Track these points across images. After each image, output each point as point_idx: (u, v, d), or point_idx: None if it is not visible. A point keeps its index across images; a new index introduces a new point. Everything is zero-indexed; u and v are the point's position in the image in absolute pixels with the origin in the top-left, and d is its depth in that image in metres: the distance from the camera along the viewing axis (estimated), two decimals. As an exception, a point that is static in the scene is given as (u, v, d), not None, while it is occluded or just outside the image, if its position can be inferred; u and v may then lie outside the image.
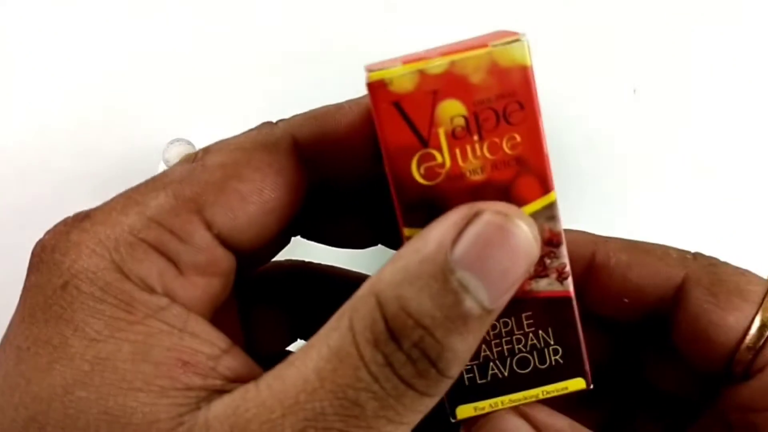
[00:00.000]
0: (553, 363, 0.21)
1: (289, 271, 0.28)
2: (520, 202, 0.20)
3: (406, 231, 0.20)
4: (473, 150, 0.20)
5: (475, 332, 0.18)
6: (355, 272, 0.29)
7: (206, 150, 0.22)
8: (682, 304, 0.23)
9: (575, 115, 0.47)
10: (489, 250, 0.18)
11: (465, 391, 0.22)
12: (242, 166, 0.21)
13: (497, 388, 0.22)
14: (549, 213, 0.20)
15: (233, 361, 0.20)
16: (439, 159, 0.20)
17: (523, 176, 0.20)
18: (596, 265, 0.24)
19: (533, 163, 0.20)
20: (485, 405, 0.22)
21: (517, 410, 0.21)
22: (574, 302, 0.21)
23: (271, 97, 0.47)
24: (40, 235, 0.21)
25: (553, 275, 0.21)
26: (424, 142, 0.20)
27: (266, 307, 0.28)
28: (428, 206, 0.20)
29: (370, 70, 0.19)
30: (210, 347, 0.20)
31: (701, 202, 0.45)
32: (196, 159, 0.22)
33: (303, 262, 0.29)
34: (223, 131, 0.23)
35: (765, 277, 0.23)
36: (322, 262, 0.29)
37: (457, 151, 0.20)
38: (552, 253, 0.21)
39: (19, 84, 0.48)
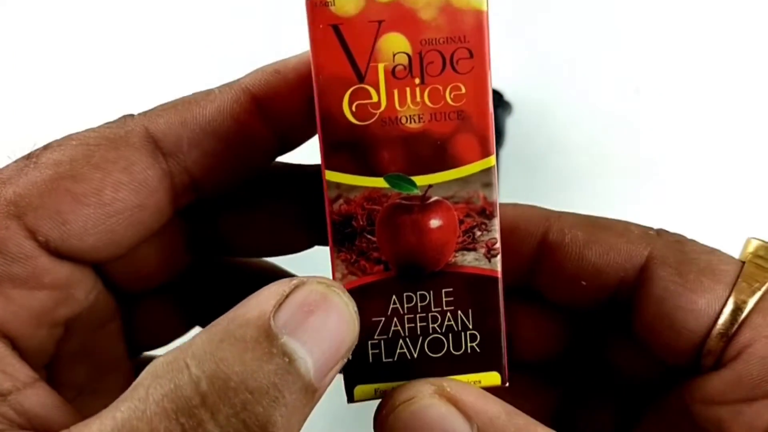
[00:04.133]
0: (469, 350, 0.19)
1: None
2: (456, 162, 0.18)
3: (328, 174, 0.18)
4: (413, 94, 0.18)
5: (301, 405, 0.16)
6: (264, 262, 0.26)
7: (47, 146, 0.20)
8: (645, 286, 0.20)
9: (576, 115, 0.46)
10: (313, 318, 0.17)
11: (367, 368, 0.19)
12: (80, 163, 0.19)
13: (403, 370, 0.19)
14: (486, 179, 0.18)
15: (29, 400, 0.17)
16: (375, 98, 0.18)
17: (463, 133, 0.18)
18: (549, 243, 0.21)
19: (476, 120, 0.18)
20: (387, 387, 0.19)
21: (444, 393, 0.18)
22: (501, 284, 0.19)
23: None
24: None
25: (482, 250, 0.19)
26: (360, 76, 0.18)
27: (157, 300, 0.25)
28: (354, 149, 0.18)
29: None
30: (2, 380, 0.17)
31: (702, 200, 0.45)
32: (31, 156, 0.19)
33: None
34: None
35: (734, 256, 0.21)
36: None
37: (396, 93, 0.18)
38: (483, 225, 0.19)
39: (18, 84, 0.47)
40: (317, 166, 0.19)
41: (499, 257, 0.19)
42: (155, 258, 0.23)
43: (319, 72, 0.18)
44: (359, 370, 0.19)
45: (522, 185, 0.47)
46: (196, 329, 0.26)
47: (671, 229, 0.22)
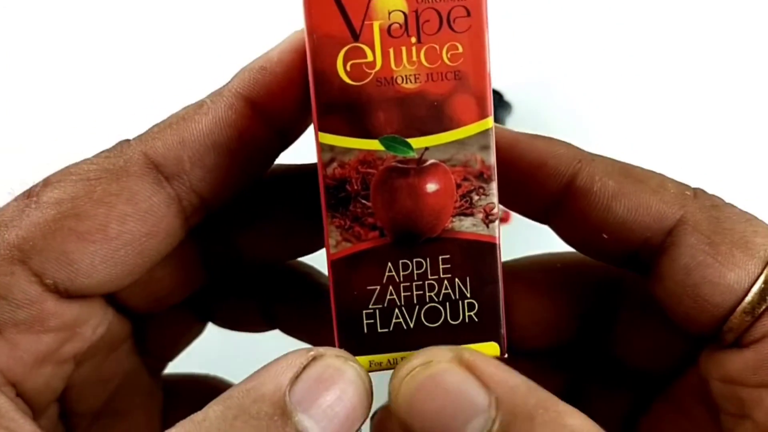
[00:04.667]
0: (467, 320, 0.19)
1: None
2: (453, 124, 0.18)
3: (321, 137, 0.18)
4: (409, 53, 0.18)
5: None
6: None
7: (46, 182, 0.19)
8: (672, 251, 0.19)
9: (575, 115, 0.46)
10: (328, 395, 0.17)
11: (362, 339, 0.19)
12: (82, 200, 0.18)
13: (399, 341, 0.19)
14: (483, 141, 0.18)
15: None
16: (370, 57, 0.17)
17: (460, 94, 0.18)
18: (576, 187, 0.20)
19: (473, 80, 0.18)
20: (383, 360, 0.19)
21: (463, 361, 0.17)
22: (499, 251, 0.18)
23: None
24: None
25: (479, 215, 0.18)
26: (355, 35, 0.17)
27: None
28: (349, 110, 0.18)
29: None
30: None
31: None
32: (32, 194, 0.19)
33: None
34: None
35: None
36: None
37: (391, 52, 0.17)
38: (481, 189, 0.18)
39: (17, 84, 0.47)
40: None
41: (497, 223, 0.18)
42: (170, 280, 0.22)
43: (312, 31, 0.17)
44: (353, 341, 0.18)
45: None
46: (210, 327, 0.26)
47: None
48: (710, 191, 0.20)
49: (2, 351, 0.18)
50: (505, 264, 0.23)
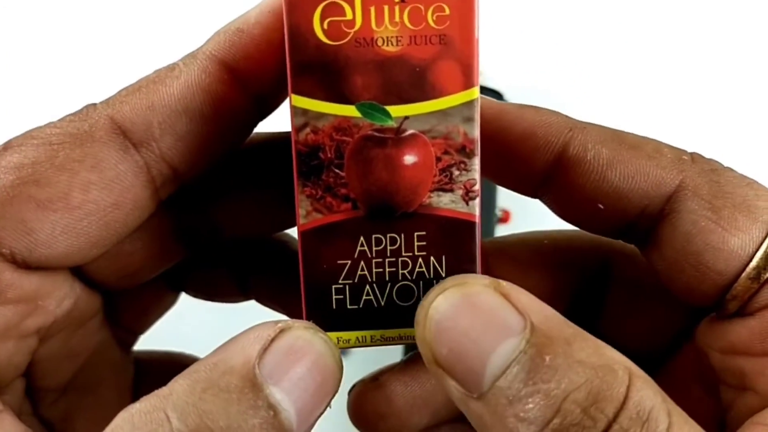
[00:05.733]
0: (441, 300, 0.18)
1: None
2: (435, 92, 0.17)
3: (294, 99, 0.17)
4: (392, 13, 0.16)
5: None
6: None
7: (6, 145, 0.18)
8: (672, 218, 0.18)
9: (575, 115, 0.45)
10: (298, 367, 0.16)
11: (331, 315, 0.18)
12: (43, 166, 0.17)
13: (369, 319, 0.18)
14: (467, 113, 0.17)
15: None
16: (349, 15, 0.16)
17: (445, 60, 0.16)
18: (569, 157, 0.19)
19: (459, 46, 0.16)
20: (351, 337, 0.18)
21: (498, 287, 0.16)
22: (478, 229, 0.17)
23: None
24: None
25: (459, 191, 0.17)
26: (334, -11, 0.16)
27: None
28: (325, 71, 0.16)
29: None
30: None
31: None
32: None
33: None
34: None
35: None
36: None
37: (372, 10, 0.16)
38: (462, 163, 0.17)
39: (16, 84, 0.45)
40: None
41: (477, 200, 0.17)
42: (142, 254, 0.21)
43: (288, -18, 0.16)
44: (321, 316, 0.18)
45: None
46: (183, 296, 0.25)
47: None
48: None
49: None
50: (492, 241, 0.23)
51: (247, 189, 0.21)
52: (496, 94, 0.46)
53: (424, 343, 0.16)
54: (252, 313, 0.25)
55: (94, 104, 0.18)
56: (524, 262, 0.21)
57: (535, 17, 0.47)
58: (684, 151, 0.19)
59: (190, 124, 0.18)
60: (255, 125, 0.20)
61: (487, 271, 0.21)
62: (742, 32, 0.46)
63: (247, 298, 0.24)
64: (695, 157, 0.19)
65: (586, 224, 0.20)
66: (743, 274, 0.17)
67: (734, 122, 0.45)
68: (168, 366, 0.24)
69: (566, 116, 0.19)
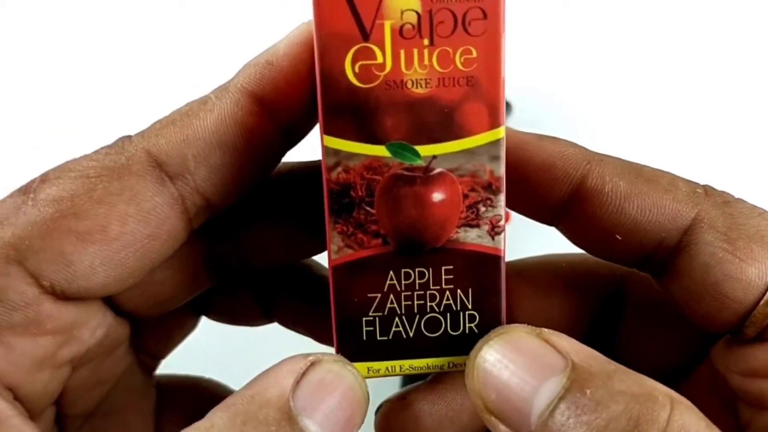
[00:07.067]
0: (467, 331, 0.18)
1: None
2: (463, 132, 0.17)
3: (326, 140, 0.17)
4: (421, 56, 0.17)
5: None
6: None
7: (44, 178, 0.18)
8: (690, 250, 0.19)
9: (576, 114, 0.46)
10: (329, 399, 0.17)
11: (361, 346, 0.18)
12: (82, 199, 0.18)
13: (398, 350, 0.18)
14: (493, 152, 0.17)
15: None
16: (380, 58, 0.17)
17: (472, 101, 0.17)
18: (587, 189, 0.19)
19: (486, 87, 0.17)
20: (381, 367, 0.18)
21: (539, 333, 0.17)
22: (503, 263, 0.18)
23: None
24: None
25: (485, 227, 0.18)
26: (365, 34, 0.16)
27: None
28: (356, 113, 0.17)
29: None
30: None
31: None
32: (28, 190, 0.18)
33: None
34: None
35: None
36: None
37: (402, 54, 0.17)
38: (489, 200, 0.18)
39: (16, 83, 0.46)
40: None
41: (503, 235, 0.18)
42: (172, 283, 0.21)
43: (321, 28, 0.16)
44: (352, 347, 0.18)
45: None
46: (204, 320, 0.25)
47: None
48: (717, 188, 0.20)
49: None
50: (511, 265, 0.23)
51: (274, 218, 0.22)
52: (506, 104, 0.46)
53: (474, 392, 0.17)
54: (256, 333, 0.25)
55: (129, 136, 0.19)
56: (544, 286, 0.22)
57: (534, 18, 0.47)
58: (697, 184, 0.20)
59: (224, 156, 0.19)
60: (283, 155, 0.20)
61: (509, 296, 0.22)
62: (743, 37, 0.47)
63: (269, 321, 0.25)
64: (708, 190, 0.19)
65: (603, 254, 0.21)
66: (761, 302, 0.18)
67: (736, 125, 0.46)
68: (189, 390, 0.25)
69: (583, 148, 0.20)
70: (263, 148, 0.19)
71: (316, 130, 0.18)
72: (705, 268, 0.18)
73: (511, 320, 0.19)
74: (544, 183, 0.20)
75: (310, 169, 0.21)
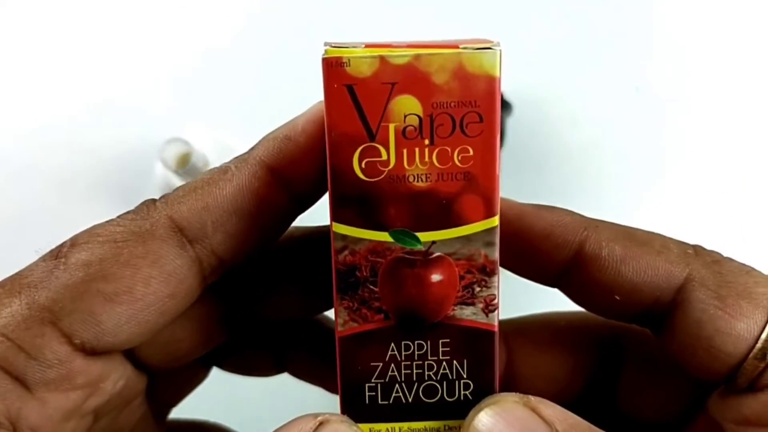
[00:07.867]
0: (462, 398, 0.20)
1: None
2: (460, 221, 0.19)
3: (335, 226, 0.19)
4: (422, 154, 0.18)
5: None
6: None
7: (73, 242, 0.20)
8: (683, 307, 0.20)
9: (576, 114, 0.47)
10: None
11: (364, 409, 0.20)
12: (109, 263, 0.19)
13: (398, 413, 0.20)
14: (488, 238, 0.19)
15: None
16: (384, 156, 0.18)
17: (469, 194, 0.19)
18: (585, 254, 0.21)
19: (482, 182, 0.18)
20: (382, 428, 0.20)
21: (527, 402, 0.19)
22: (497, 338, 0.20)
23: (267, 97, 0.46)
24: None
25: (480, 305, 0.19)
26: (372, 135, 0.18)
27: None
28: (362, 204, 0.18)
29: (329, 46, 0.18)
30: None
31: (704, 198, 0.45)
32: (59, 254, 0.20)
33: None
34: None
35: None
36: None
37: (405, 152, 0.18)
38: (483, 281, 0.19)
39: (15, 83, 0.47)
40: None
41: (496, 312, 0.19)
42: (190, 340, 0.23)
43: (331, 129, 0.18)
44: (356, 409, 0.20)
45: (522, 185, 0.48)
46: (215, 371, 0.27)
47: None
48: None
49: (34, 410, 0.19)
50: (512, 322, 0.25)
51: (286, 277, 0.24)
52: (506, 104, 0.47)
53: None
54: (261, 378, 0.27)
55: (154, 201, 0.21)
56: (544, 343, 0.24)
57: (535, 18, 0.48)
58: (688, 245, 0.21)
59: (239, 222, 0.20)
60: (294, 219, 0.22)
61: (509, 354, 0.23)
62: (744, 39, 0.47)
63: (281, 372, 0.26)
64: (698, 250, 0.21)
65: (602, 312, 0.22)
66: (750, 355, 0.20)
67: (737, 127, 0.46)
68: None
69: (580, 215, 0.22)
70: (275, 215, 0.21)
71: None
72: (698, 323, 0.20)
73: (513, 375, 0.21)
74: (545, 250, 0.21)
75: (322, 234, 0.23)
